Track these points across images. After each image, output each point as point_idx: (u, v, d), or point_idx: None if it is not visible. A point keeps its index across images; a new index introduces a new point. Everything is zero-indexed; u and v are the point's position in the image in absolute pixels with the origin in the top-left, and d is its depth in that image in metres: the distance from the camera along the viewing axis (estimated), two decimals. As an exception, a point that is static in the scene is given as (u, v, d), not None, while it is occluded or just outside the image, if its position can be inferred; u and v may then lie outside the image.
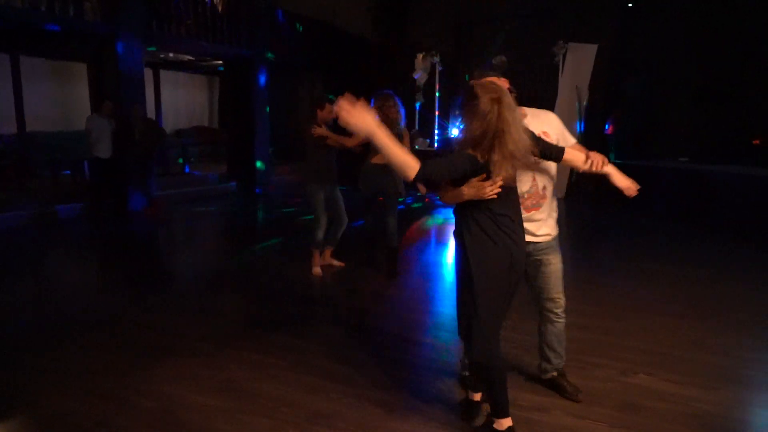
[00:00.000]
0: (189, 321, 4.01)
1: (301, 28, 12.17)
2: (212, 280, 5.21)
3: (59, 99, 11.81)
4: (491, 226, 2.29)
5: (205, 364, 3.27)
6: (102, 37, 8.32)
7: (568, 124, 2.59)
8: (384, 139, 2.17)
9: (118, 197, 8.47)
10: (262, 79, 11.37)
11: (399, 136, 4.61)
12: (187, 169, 12.13)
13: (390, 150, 2.18)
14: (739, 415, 2.79)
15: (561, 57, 10.32)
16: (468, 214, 2.34)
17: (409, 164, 2.18)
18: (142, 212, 8.44)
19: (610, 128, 10.32)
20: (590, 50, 9.75)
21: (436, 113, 12.34)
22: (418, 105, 12.29)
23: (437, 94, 12.24)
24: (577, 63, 9.73)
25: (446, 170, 2.26)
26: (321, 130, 4.83)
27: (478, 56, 11.74)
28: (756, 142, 8.40)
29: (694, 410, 2.78)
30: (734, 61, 9.07)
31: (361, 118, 2.16)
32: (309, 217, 5.32)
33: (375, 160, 4.88)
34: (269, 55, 11.37)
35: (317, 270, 5.19)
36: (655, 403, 2.84)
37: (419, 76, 11.97)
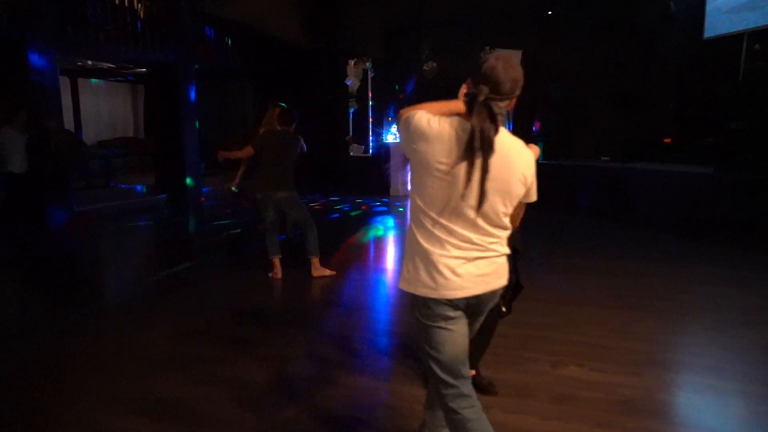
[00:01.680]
0: (114, 341, 3.79)
1: (228, 37, 11.87)
2: (138, 297, 4.96)
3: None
4: None
5: (133, 386, 3.10)
6: (9, 43, 7.76)
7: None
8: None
9: (34, 214, 7.93)
10: (189, 87, 10.99)
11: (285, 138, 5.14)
12: (111, 182, 11.56)
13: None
14: (661, 397, 2.96)
15: (488, 62, 10.65)
16: None
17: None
18: (63, 229, 7.94)
19: (537, 126, 10.76)
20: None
21: (370, 120, 12.41)
22: (351, 112, 12.31)
23: (371, 101, 12.31)
24: (504, 68, 10.10)
25: None
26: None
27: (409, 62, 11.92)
28: (667, 140, 9.03)
29: (619, 396, 2.93)
30: (645, 66, 9.76)
31: None
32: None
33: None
34: (195, 61, 11.02)
35: (329, 271, 5.38)
36: (584, 393, 2.97)
37: (351, 82, 11.99)
